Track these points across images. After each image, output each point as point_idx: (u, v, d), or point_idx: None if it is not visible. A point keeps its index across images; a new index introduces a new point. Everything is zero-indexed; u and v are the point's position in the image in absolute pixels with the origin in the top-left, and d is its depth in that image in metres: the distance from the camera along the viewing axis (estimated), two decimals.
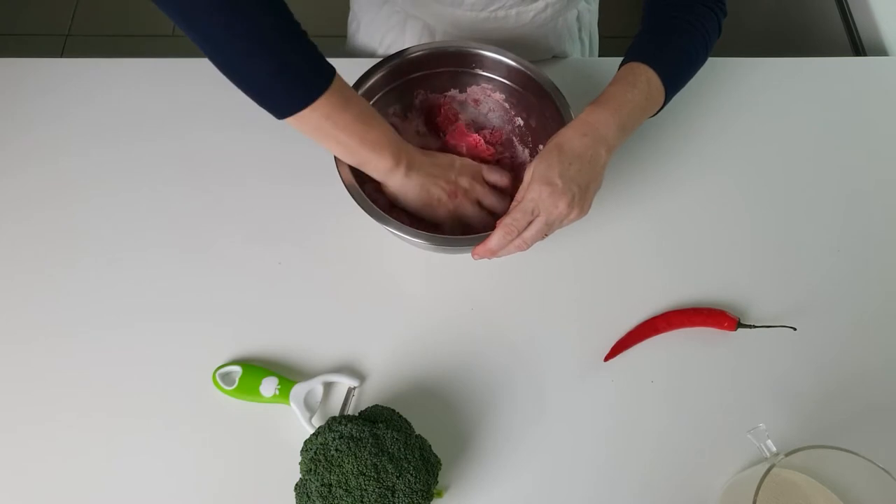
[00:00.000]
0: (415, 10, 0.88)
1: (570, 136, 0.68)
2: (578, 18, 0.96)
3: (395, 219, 0.69)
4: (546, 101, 0.77)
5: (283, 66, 0.60)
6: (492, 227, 0.68)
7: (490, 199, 0.76)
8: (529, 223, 0.66)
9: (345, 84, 0.65)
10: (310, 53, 0.62)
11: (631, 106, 0.70)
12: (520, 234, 0.66)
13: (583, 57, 0.99)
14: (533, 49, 0.91)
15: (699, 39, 0.74)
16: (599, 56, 1.05)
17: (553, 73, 0.77)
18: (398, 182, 0.71)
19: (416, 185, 0.72)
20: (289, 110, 0.63)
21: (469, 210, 0.75)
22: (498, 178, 0.77)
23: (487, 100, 0.83)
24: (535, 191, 0.65)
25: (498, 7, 0.84)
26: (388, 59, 0.77)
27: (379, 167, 0.69)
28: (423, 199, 0.73)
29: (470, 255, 0.69)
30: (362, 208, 0.69)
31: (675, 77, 0.73)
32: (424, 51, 0.78)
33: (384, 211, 0.69)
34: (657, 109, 0.73)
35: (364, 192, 0.70)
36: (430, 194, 0.73)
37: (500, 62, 0.78)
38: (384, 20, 0.93)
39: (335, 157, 0.70)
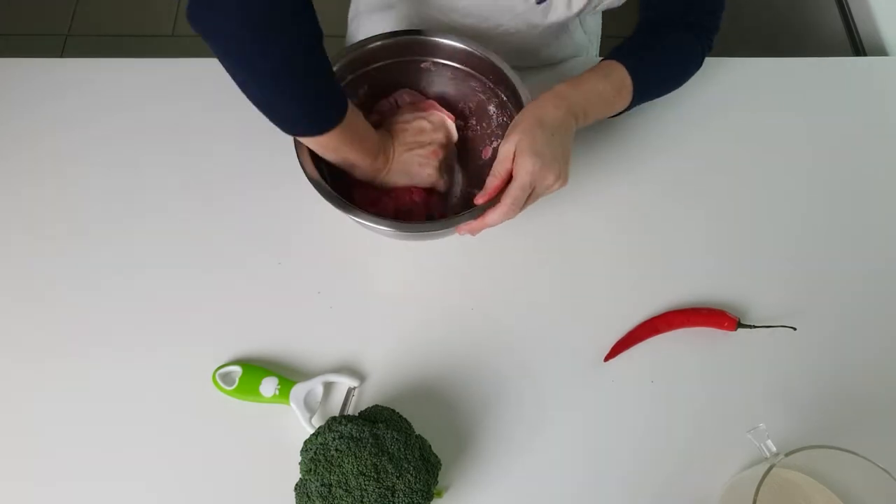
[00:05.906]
0: (411, 12, 0.88)
1: (547, 109, 0.69)
2: (581, 24, 0.96)
3: (362, 208, 0.69)
4: (502, 82, 0.77)
5: (307, 97, 0.62)
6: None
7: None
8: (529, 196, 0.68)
9: (352, 106, 0.67)
10: (331, 82, 0.64)
11: (599, 94, 0.73)
12: (521, 209, 0.68)
13: (584, 57, 0.99)
14: (533, 56, 0.91)
15: (677, 66, 0.80)
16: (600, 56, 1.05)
17: (553, 76, 0.77)
18: (386, 174, 0.75)
19: (400, 166, 0.75)
20: (307, 133, 0.65)
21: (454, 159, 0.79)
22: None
23: (445, 79, 0.83)
24: (528, 164, 0.66)
25: (494, 26, 0.84)
26: (351, 48, 0.77)
27: (370, 170, 0.73)
28: (410, 173, 0.75)
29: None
30: (326, 199, 0.69)
31: (646, 87, 0.76)
32: (382, 41, 0.78)
33: (371, 203, 0.71)
34: (621, 110, 0.76)
35: (341, 184, 0.72)
36: (416, 164, 0.75)
37: (456, 48, 0.78)
38: (381, 22, 0.93)
39: (297, 154, 0.71)
